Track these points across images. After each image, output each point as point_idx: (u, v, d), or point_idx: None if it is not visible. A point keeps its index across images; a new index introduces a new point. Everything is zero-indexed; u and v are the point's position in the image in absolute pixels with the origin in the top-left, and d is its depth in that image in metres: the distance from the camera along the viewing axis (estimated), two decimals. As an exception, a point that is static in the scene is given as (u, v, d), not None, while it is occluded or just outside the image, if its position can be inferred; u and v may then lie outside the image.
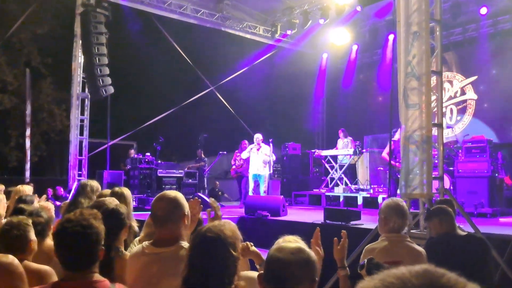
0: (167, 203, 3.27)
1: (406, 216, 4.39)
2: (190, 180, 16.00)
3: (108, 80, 13.99)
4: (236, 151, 14.71)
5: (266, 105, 19.87)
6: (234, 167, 14.70)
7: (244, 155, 14.13)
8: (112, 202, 4.14)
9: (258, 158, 13.68)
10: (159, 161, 15.80)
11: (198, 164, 16.45)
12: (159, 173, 15.47)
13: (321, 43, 20.31)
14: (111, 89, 14.05)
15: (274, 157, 14.04)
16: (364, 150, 15.39)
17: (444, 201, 5.74)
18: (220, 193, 18.20)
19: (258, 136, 13.88)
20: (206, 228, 2.71)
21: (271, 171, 13.89)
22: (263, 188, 13.72)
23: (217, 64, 18.33)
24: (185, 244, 3.17)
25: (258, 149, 13.73)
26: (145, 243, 3.32)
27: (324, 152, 15.73)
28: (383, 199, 11.66)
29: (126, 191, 4.95)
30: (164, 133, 16.43)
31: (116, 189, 4.99)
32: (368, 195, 13.83)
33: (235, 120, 19.19)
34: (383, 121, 18.54)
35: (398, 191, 7.83)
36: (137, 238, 4.15)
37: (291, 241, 2.84)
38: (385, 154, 12.93)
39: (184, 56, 17.69)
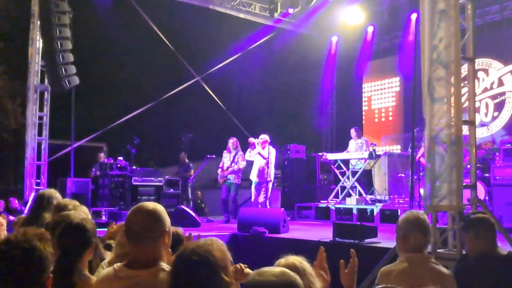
0: (146, 216, 3.26)
1: (429, 232, 4.39)
2: (171, 190, 16.00)
3: (73, 69, 13.96)
4: (224, 150, 14.69)
5: (263, 99, 19.89)
6: (220, 171, 14.65)
7: (247, 156, 14.30)
8: (78, 216, 4.15)
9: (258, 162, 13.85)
10: (134, 167, 15.79)
11: (188, 172, 16.42)
12: (134, 181, 15.47)
13: (330, 24, 20.34)
14: (76, 80, 14.03)
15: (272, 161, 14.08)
16: (381, 153, 15.41)
17: (477, 214, 5.76)
18: (203, 205, 18.21)
19: (262, 137, 14.02)
20: (190, 249, 2.71)
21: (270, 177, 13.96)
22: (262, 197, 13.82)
23: (204, 49, 18.34)
24: (165, 266, 3.17)
25: (252, 150, 13.95)
26: (117, 265, 3.31)
27: (334, 156, 15.72)
28: (404, 212, 11.68)
29: (83, 208, 4.98)
30: (140, 133, 16.42)
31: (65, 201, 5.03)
32: (387, 208, 13.84)
33: (226, 117, 19.21)
34: (405, 118, 18.60)
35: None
36: (106, 260, 4.15)
37: (288, 263, 2.86)
38: (420, 154, 12.84)
39: (164, 40, 17.71)
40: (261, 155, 13.74)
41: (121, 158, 15.69)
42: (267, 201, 13.93)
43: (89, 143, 17.47)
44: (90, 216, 5.01)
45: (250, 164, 14.34)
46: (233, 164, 14.12)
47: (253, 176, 14.10)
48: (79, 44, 14.31)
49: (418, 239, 4.28)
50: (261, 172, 13.91)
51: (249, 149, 14.15)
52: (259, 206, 13.82)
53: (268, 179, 13.94)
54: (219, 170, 14.40)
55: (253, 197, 14.10)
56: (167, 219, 3.33)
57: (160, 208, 3.35)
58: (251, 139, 14.19)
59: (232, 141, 14.41)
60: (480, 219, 4.81)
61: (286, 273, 2.31)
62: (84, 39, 14.80)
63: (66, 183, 14.39)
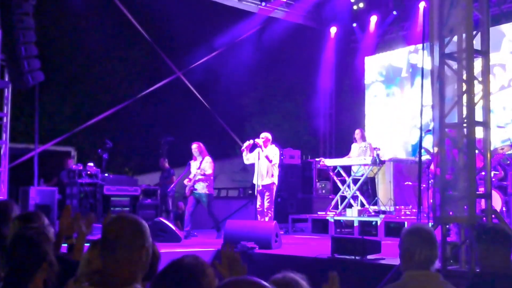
0: (125, 225, 3.28)
1: (436, 246, 4.41)
2: (149, 200, 15.98)
3: (37, 64, 13.94)
4: (191, 160, 14.58)
5: (253, 98, 19.96)
6: (186, 181, 14.55)
7: (245, 160, 14.22)
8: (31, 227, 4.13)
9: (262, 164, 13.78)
10: (106, 174, 15.76)
11: (167, 180, 16.38)
12: (106, 190, 15.41)
13: (328, 13, 20.39)
14: (41, 76, 14.01)
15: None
16: (386, 159, 15.45)
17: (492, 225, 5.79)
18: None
19: (264, 136, 13.94)
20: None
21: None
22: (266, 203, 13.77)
23: (186, 42, 18.37)
24: (140, 288, 3.17)
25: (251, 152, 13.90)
26: (85, 285, 3.31)
27: (333, 162, 15.73)
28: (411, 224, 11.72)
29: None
30: (114, 136, 16.42)
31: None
32: (392, 220, 13.87)
33: (210, 118, 19.21)
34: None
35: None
36: (72, 280, 4.15)
37: (284, 281, 2.89)
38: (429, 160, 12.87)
39: (141, 30, 17.70)
40: (268, 158, 13.63)
41: (91, 164, 15.65)
42: (272, 206, 13.85)
43: (56, 147, 17.42)
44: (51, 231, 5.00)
45: (252, 167, 14.26)
46: (198, 171, 14.03)
47: (257, 180, 13.89)
48: (44, 35, 14.31)
49: (423, 255, 4.30)
50: (265, 175, 13.78)
51: (245, 152, 14.00)
52: (267, 213, 13.68)
53: (273, 182, 13.83)
54: (186, 180, 14.27)
55: (258, 203, 13.96)
56: (148, 235, 3.34)
57: (140, 220, 3.35)
58: (258, 141, 13.93)
59: (195, 147, 14.21)
60: (497, 230, 4.83)
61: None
62: (50, 29, 14.81)
63: (29, 193, 14.31)
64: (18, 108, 15.19)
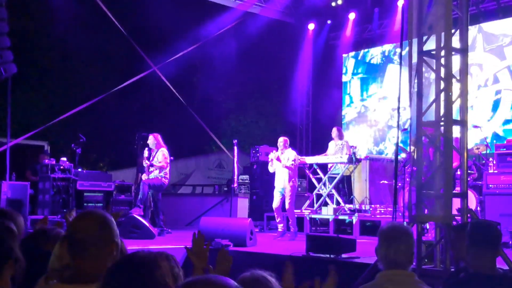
0: (92, 222, 3.27)
1: (413, 245, 4.40)
2: (123, 196, 15.88)
3: (9, 56, 13.79)
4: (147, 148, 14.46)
5: (230, 94, 19.91)
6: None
7: (270, 168, 14.06)
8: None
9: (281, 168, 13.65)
10: (80, 169, 15.64)
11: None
12: (80, 186, 15.31)
13: (306, 10, 20.38)
14: (14, 68, 13.86)
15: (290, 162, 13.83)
16: (362, 157, 15.46)
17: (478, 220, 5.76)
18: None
19: (281, 141, 13.84)
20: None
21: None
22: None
23: (162, 36, 18.26)
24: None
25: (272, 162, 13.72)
26: (53, 282, 3.30)
27: (309, 159, 15.71)
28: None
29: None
30: (87, 130, 16.30)
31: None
32: (367, 218, 13.89)
33: (187, 114, 19.12)
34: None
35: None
36: (42, 278, 4.09)
37: (253, 278, 2.86)
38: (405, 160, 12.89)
39: (116, 23, 17.56)
40: (292, 168, 13.50)
41: (64, 159, 15.52)
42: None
43: (28, 141, 17.27)
44: (22, 225, 4.93)
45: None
46: (146, 162, 13.85)
47: (281, 183, 13.75)
48: (17, 26, 14.14)
49: (400, 254, 4.28)
50: (287, 178, 13.65)
51: (269, 163, 13.90)
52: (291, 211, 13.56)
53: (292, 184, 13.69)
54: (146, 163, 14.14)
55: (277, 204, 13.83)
56: (116, 229, 3.35)
57: (108, 216, 3.37)
58: (272, 155, 13.85)
59: (150, 137, 14.16)
60: (484, 227, 4.79)
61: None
62: (23, 21, 14.64)
63: (1, 187, 14.21)
64: (-11, 102, 15.02)
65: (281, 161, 13.43)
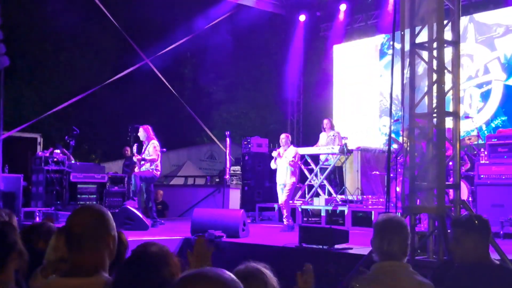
0: (88, 216, 3.29)
1: (408, 237, 4.40)
2: (116, 188, 15.86)
3: (2, 48, 13.72)
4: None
5: (221, 86, 19.87)
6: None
7: (272, 165, 14.01)
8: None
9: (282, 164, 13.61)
10: (74, 161, 15.61)
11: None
12: (73, 178, 15.29)
13: (297, 1, 20.33)
14: (6, 61, 13.78)
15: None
16: (354, 148, 15.46)
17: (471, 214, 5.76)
18: (159, 207, 17.97)
19: (283, 137, 13.80)
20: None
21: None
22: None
23: (153, 28, 18.19)
24: (107, 277, 3.16)
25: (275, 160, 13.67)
26: (52, 276, 3.31)
27: (301, 150, 15.70)
28: (379, 214, 11.73)
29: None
30: (80, 122, 16.25)
31: None
32: (359, 209, 13.90)
33: (179, 106, 19.06)
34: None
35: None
36: (39, 268, 4.09)
37: (247, 271, 2.87)
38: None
39: (109, 16, 17.48)
40: (292, 164, 13.46)
41: (57, 151, 15.48)
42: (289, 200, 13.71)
43: (21, 133, 17.20)
44: (14, 219, 4.93)
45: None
46: (143, 156, 13.82)
47: (282, 179, 13.71)
48: (10, 19, 14.06)
49: (394, 246, 4.28)
50: (288, 174, 13.61)
51: (272, 160, 13.86)
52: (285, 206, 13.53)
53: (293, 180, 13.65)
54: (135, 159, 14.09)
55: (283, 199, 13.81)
56: (113, 222, 3.37)
57: (105, 210, 3.40)
58: (274, 153, 13.81)
59: (140, 130, 14.10)
60: (478, 219, 4.79)
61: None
62: (16, 13, 14.54)
63: (-6, 180, 14.16)
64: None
65: (283, 157, 13.43)
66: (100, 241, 3.25)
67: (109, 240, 3.29)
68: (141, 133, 14.06)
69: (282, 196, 13.45)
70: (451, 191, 7.78)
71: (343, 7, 19.74)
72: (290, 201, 14.31)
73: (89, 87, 17.54)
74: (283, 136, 13.75)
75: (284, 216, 13.41)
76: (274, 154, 13.69)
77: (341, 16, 19.95)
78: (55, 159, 15.27)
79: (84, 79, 17.52)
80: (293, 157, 13.32)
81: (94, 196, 15.33)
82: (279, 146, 13.83)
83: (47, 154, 15.37)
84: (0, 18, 13.65)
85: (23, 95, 16.05)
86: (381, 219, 4.48)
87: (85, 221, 3.26)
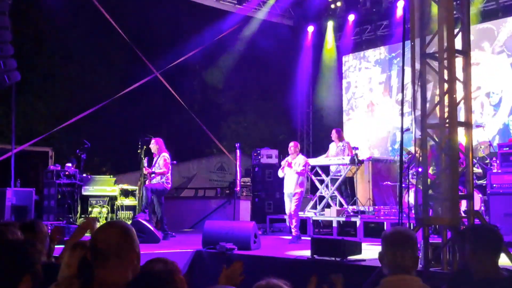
0: (115, 233, 3.32)
1: (417, 250, 4.34)
2: (127, 201, 15.83)
3: (13, 63, 13.76)
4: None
5: (230, 97, 19.83)
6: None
7: (279, 173, 13.93)
8: (15, 232, 4.03)
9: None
10: (85, 175, 15.59)
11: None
12: (85, 190, 15.28)
13: (306, 12, 20.32)
14: (17, 76, 13.82)
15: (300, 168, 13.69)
16: (365, 158, 15.39)
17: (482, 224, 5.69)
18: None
19: (292, 145, 13.71)
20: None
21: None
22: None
23: (164, 41, 18.22)
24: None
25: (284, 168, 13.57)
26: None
27: (312, 161, 15.66)
28: (391, 225, 11.65)
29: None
30: (91, 136, 16.24)
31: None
32: (371, 220, 13.81)
33: (188, 117, 19.05)
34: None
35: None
36: (53, 285, 4.03)
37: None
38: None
39: (119, 30, 17.49)
40: (300, 173, 13.39)
41: (69, 164, 15.48)
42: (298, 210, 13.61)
43: (33, 147, 17.20)
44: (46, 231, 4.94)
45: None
46: (153, 169, 13.84)
47: (290, 188, 13.63)
48: (21, 34, 14.10)
49: (404, 258, 4.22)
50: (296, 183, 13.54)
51: (280, 169, 13.77)
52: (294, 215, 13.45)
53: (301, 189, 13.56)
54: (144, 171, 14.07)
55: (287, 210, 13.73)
56: (137, 239, 3.42)
57: (130, 226, 3.44)
58: (283, 162, 13.75)
59: (152, 142, 14.13)
60: (488, 230, 4.73)
61: None
62: (27, 29, 14.60)
63: (5, 194, 14.19)
64: (-6, 109, 14.99)
65: (292, 166, 13.32)
66: (125, 258, 3.28)
67: (133, 257, 3.31)
68: (153, 146, 14.06)
69: (290, 206, 13.35)
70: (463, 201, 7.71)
71: (351, 17, 19.68)
72: (301, 212, 14.26)
73: (99, 100, 17.54)
74: (291, 144, 13.66)
75: (293, 226, 13.29)
76: (283, 163, 13.60)
77: (350, 27, 19.90)
78: (66, 173, 15.27)
79: (94, 92, 17.54)
80: (303, 166, 13.23)
81: (106, 209, 15.31)
82: (288, 155, 13.76)
83: (59, 168, 15.37)
84: (11, 33, 13.70)
85: (34, 109, 16.06)
86: (390, 232, 4.43)
87: (110, 237, 3.29)
